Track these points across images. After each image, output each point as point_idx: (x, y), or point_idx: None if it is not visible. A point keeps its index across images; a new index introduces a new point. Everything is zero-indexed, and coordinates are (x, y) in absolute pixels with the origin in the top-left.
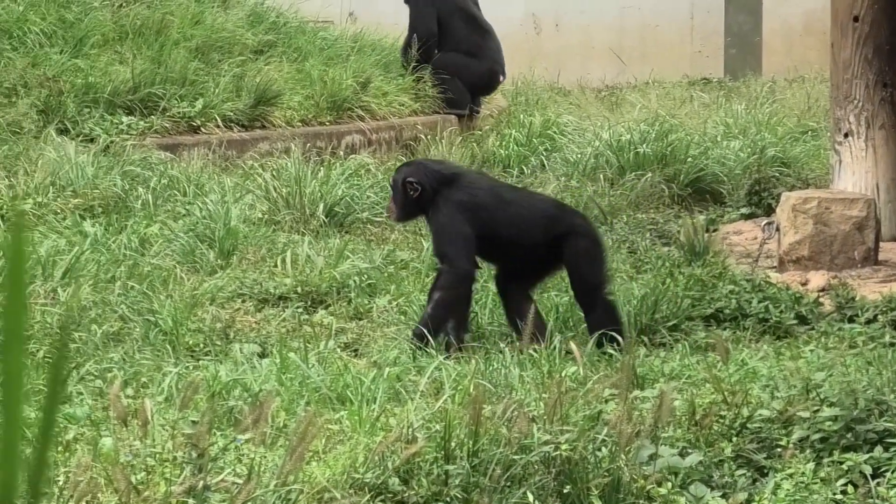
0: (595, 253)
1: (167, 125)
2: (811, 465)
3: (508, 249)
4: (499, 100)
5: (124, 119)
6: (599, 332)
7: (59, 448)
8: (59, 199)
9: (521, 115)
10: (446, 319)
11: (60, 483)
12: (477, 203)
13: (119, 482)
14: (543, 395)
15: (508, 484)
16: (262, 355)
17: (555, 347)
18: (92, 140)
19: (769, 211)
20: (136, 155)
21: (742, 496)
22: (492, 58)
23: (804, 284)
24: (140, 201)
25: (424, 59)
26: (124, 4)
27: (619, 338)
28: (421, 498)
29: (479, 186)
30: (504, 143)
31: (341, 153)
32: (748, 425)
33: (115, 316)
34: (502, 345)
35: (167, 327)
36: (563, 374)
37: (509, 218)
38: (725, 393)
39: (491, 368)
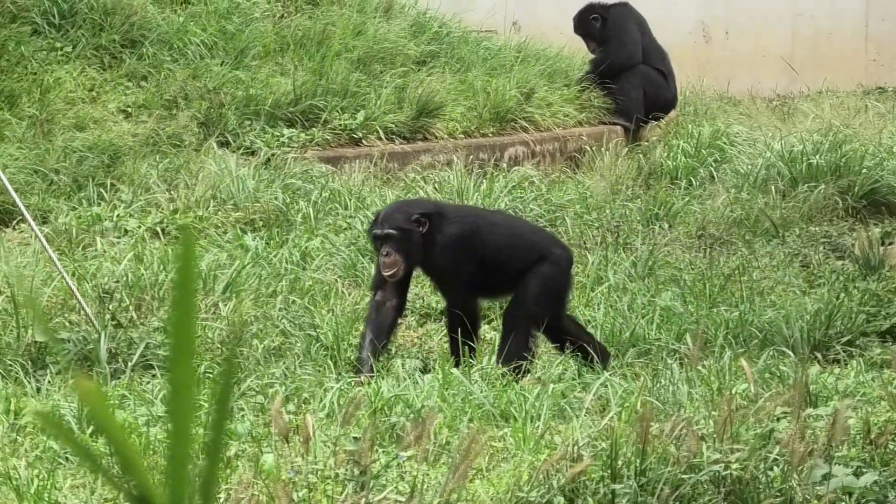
0: (556, 284)
1: (328, 137)
2: None
3: (498, 275)
4: None
5: (285, 131)
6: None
7: (221, 464)
8: (219, 213)
9: (690, 126)
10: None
11: (222, 499)
12: (471, 232)
13: (281, 499)
14: (713, 412)
15: None
16: (425, 371)
17: (724, 364)
18: (253, 153)
19: None
20: (297, 168)
21: None
22: (675, 86)
23: None
24: (301, 215)
25: (610, 76)
26: (286, 15)
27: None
28: None
29: (468, 214)
30: (672, 155)
31: (504, 165)
32: None
33: (277, 331)
34: (670, 361)
35: (329, 342)
36: (733, 392)
37: (499, 242)
38: None
39: (658, 385)
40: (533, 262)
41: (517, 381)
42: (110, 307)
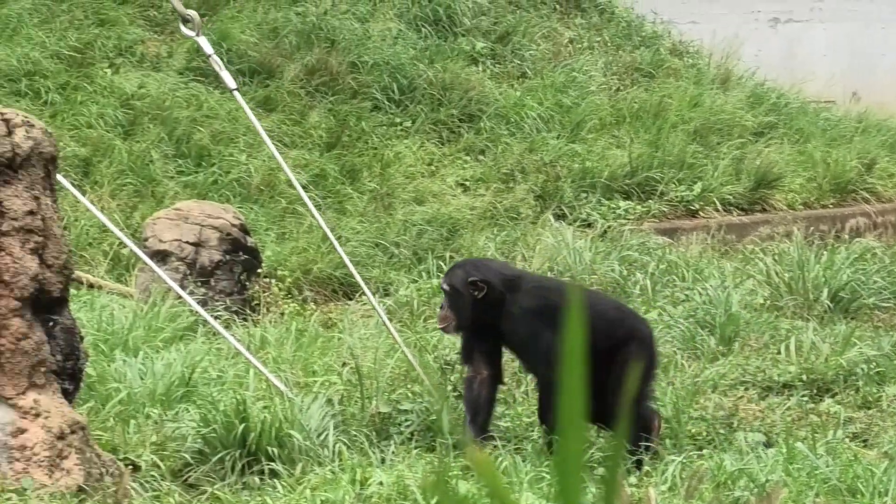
0: (649, 365)
1: (664, 209)
2: None
3: None
4: None
5: (621, 203)
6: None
7: None
8: None
9: None
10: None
11: None
12: (549, 306)
13: None
14: None
15: None
16: (768, 445)
17: None
18: (589, 225)
19: None
20: (634, 239)
21: None
22: None
23: None
24: (638, 286)
25: None
26: (621, 88)
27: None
28: None
29: (548, 287)
30: None
31: (845, 236)
32: None
33: None
34: None
35: (668, 414)
36: None
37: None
38: None
39: None
40: (619, 340)
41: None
42: (451, 378)
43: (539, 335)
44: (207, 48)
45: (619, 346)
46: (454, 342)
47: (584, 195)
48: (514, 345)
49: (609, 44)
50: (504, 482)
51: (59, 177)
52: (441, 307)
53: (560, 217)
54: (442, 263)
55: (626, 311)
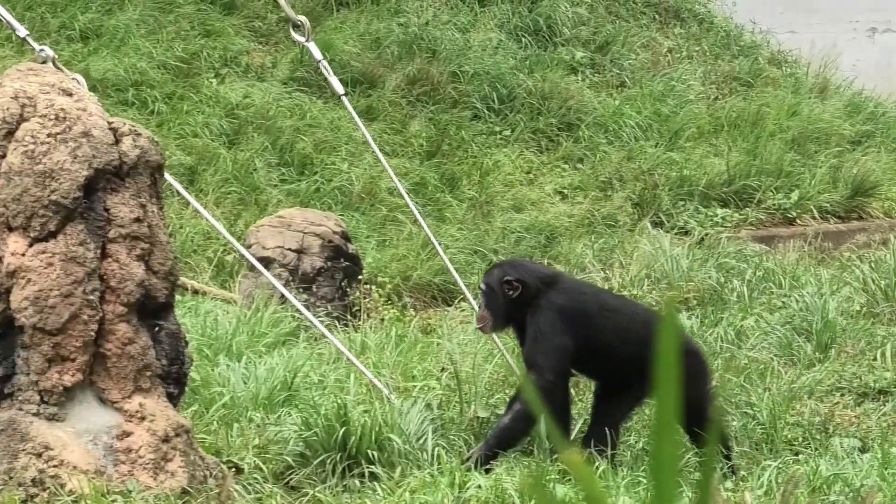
0: (698, 371)
1: (761, 217)
2: None
3: (606, 360)
4: None
5: (718, 211)
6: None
7: None
8: (653, 292)
9: None
10: (519, 432)
11: None
12: (580, 309)
13: None
14: None
15: None
16: (863, 450)
17: None
18: (686, 232)
19: None
20: (731, 247)
21: None
22: None
23: None
24: (735, 293)
25: None
26: (720, 97)
27: (731, 454)
28: None
29: (583, 291)
30: None
31: None
32: None
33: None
34: None
35: (764, 420)
36: None
37: (611, 326)
38: None
39: None
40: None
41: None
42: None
43: (549, 335)
44: (317, 53)
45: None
46: None
47: (681, 203)
48: (525, 334)
49: (708, 53)
50: (601, 486)
51: (169, 177)
52: (479, 307)
53: (657, 225)
54: None
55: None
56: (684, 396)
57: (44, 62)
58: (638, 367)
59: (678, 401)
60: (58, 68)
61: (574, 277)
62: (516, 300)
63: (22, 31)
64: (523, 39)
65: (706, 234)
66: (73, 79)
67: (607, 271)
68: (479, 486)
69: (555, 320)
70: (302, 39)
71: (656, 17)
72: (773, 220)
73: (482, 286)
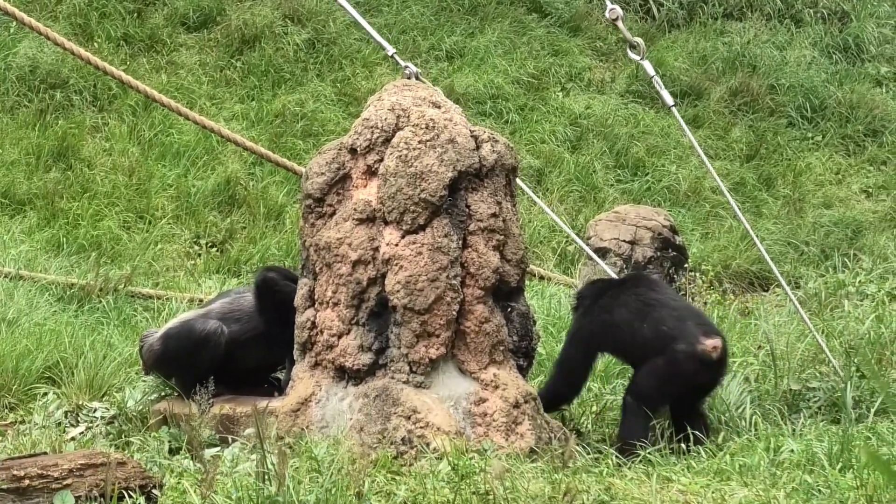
0: (670, 378)
1: None
2: None
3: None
4: None
5: None
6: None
7: None
8: None
9: None
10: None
11: None
12: (611, 322)
13: None
14: None
15: None
16: None
17: None
18: None
19: None
20: None
21: None
22: None
23: None
24: None
25: None
26: None
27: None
28: None
29: (622, 304)
30: None
31: None
32: None
33: None
34: None
35: None
36: None
37: (650, 325)
38: None
39: None
40: (655, 352)
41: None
42: (855, 360)
43: (571, 345)
44: (650, 69)
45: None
46: (857, 329)
47: None
48: None
49: None
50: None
51: (518, 182)
52: None
53: None
54: (847, 260)
55: (683, 328)
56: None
57: (409, 77)
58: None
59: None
60: (421, 82)
61: (622, 284)
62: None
63: (390, 50)
64: (834, 56)
65: None
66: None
67: None
68: (792, 451)
69: (580, 333)
70: (637, 58)
71: None
72: None
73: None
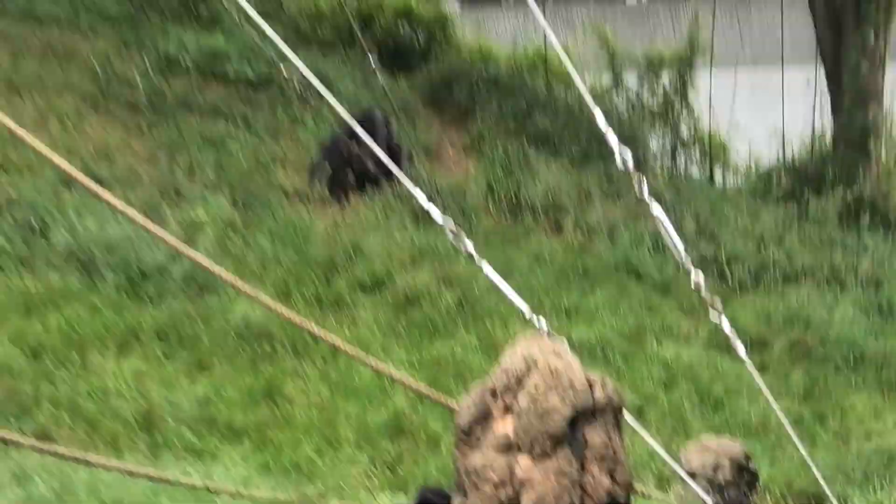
0: None
1: None
2: None
3: None
4: None
5: None
6: None
7: None
8: None
9: None
10: None
11: None
12: None
13: None
14: None
15: None
16: None
17: None
18: None
19: None
20: None
21: None
22: None
23: None
24: None
25: None
26: None
27: None
28: None
29: None
30: None
31: None
32: None
33: None
34: None
35: None
36: None
37: None
38: None
39: None
40: None
41: None
42: None
43: None
44: (726, 326)
45: None
46: None
47: None
48: None
49: None
50: None
51: (625, 415)
52: None
53: None
54: (884, 482)
55: None
56: None
57: (539, 331)
58: None
59: None
60: (548, 334)
61: None
62: None
63: (527, 312)
64: (870, 314)
65: None
66: (559, 342)
67: None
68: None
69: None
70: (716, 317)
71: None
72: None
73: None
